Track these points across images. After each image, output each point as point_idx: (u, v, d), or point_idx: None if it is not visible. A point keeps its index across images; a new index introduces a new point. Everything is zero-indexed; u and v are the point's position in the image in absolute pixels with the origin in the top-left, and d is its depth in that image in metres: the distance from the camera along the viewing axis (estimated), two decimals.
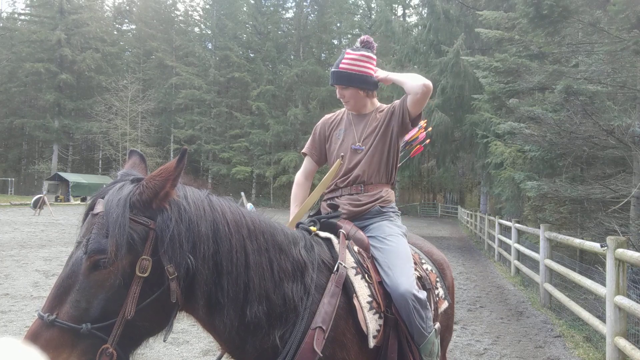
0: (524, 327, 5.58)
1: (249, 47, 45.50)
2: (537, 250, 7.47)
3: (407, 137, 2.85)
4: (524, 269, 8.47)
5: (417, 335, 1.87)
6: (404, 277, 1.90)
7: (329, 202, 2.27)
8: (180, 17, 52.21)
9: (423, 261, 2.34)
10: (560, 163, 8.78)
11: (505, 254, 10.87)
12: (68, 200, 34.98)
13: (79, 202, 35.08)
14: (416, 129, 2.85)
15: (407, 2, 40.63)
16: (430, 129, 3.28)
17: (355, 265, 1.88)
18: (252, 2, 45.84)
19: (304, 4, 45.97)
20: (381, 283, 1.92)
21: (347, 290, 1.77)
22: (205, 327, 1.57)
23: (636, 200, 6.98)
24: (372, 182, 2.25)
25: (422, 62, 19.65)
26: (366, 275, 1.88)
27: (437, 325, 2.07)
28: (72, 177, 36.85)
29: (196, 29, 50.79)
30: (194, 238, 1.41)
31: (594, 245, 4.73)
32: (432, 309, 2.14)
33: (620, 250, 4.02)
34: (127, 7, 54.78)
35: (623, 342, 3.86)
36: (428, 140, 3.44)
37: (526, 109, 8.65)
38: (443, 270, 2.48)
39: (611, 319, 4.06)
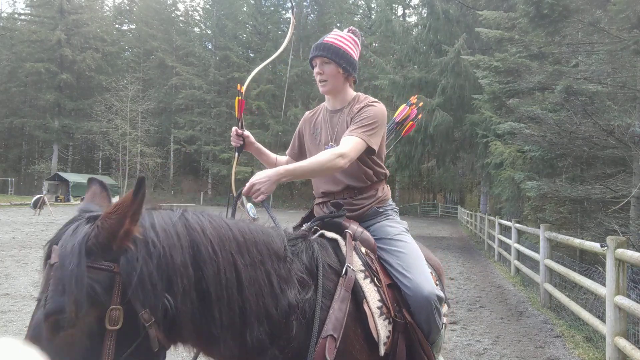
0: (524, 327, 5.58)
1: (249, 47, 45.52)
2: (537, 250, 7.46)
3: (397, 118, 2.77)
4: (524, 269, 8.47)
5: (434, 333, 1.84)
6: (424, 278, 1.84)
7: (331, 201, 2.13)
8: (180, 17, 52.25)
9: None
10: (560, 163, 8.78)
11: (505, 254, 10.87)
12: (68, 200, 35.00)
13: (79, 202, 35.07)
14: (406, 108, 2.78)
15: (407, 2, 40.66)
16: (421, 104, 3.12)
17: (363, 268, 1.78)
18: (252, 2, 45.86)
19: (304, 4, 45.99)
20: (390, 286, 1.84)
21: (357, 295, 1.68)
22: (205, 355, 1.43)
23: (636, 200, 6.98)
24: (362, 184, 2.11)
25: (422, 62, 19.66)
26: (375, 279, 1.79)
27: (445, 319, 2.06)
28: (72, 177, 36.86)
29: (196, 29, 50.82)
30: (168, 273, 1.23)
31: (594, 245, 4.73)
32: None
33: (620, 250, 4.02)
34: (127, 7, 54.80)
35: (623, 342, 3.86)
36: (420, 115, 3.32)
37: (526, 109, 8.65)
38: (440, 275, 2.40)
39: (611, 319, 4.06)
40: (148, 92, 43.23)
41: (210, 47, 47.26)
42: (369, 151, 2.02)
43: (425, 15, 20.75)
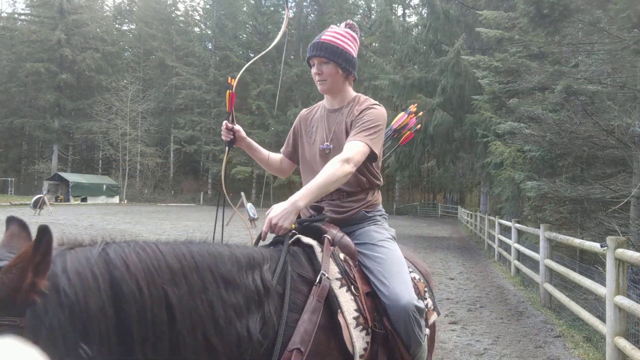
0: (524, 327, 5.58)
1: (249, 47, 45.53)
2: (537, 250, 7.46)
3: (395, 125, 2.70)
4: (524, 269, 8.47)
5: (415, 345, 1.75)
6: (404, 287, 1.77)
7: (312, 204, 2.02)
8: (180, 17, 52.28)
9: (410, 269, 2.17)
10: (560, 163, 8.78)
11: (505, 254, 10.87)
12: (68, 200, 34.99)
13: (79, 202, 35.10)
14: (405, 115, 2.70)
15: (407, 2, 40.69)
16: (421, 113, 3.02)
17: (340, 276, 1.70)
18: (252, 2, 45.88)
19: (304, 4, 46.01)
20: (369, 294, 1.76)
21: (331, 305, 1.59)
22: None
23: (636, 200, 6.98)
24: (354, 188, 2.02)
25: (422, 62, 19.67)
26: (352, 287, 1.70)
27: (427, 330, 1.98)
28: (72, 177, 36.87)
29: (196, 29, 50.85)
30: (83, 321, 1.10)
31: (594, 245, 4.73)
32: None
33: (620, 250, 4.02)
34: (127, 7, 54.82)
35: (623, 342, 3.86)
36: (419, 126, 3.23)
37: (526, 109, 8.65)
38: (430, 281, 2.31)
39: (611, 319, 4.06)
40: (148, 92, 43.26)
41: (210, 47, 47.29)
42: (371, 157, 1.95)
43: (425, 15, 20.77)
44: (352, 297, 1.67)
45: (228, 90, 2.21)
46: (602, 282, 4.56)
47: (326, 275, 1.63)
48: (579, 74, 7.59)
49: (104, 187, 38.09)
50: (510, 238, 9.86)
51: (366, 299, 1.73)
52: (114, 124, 39.59)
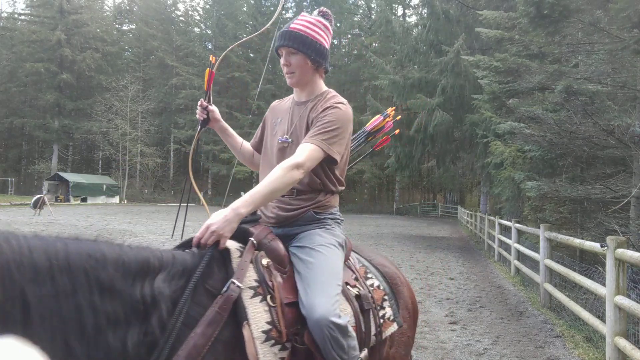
0: (524, 327, 5.58)
1: (249, 47, 45.55)
2: (537, 250, 7.46)
3: (368, 127, 2.56)
4: (524, 269, 8.47)
5: None
6: (323, 299, 1.58)
7: None
8: (180, 17, 52.28)
9: (369, 275, 2.02)
10: (560, 163, 8.77)
11: (505, 254, 10.87)
12: (68, 200, 34.99)
13: (79, 202, 35.10)
14: (381, 118, 2.56)
15: (407, 2, 40.69)
16: (399, 117, 2.81)
17: (256, 284, 1.55)
18: (252, 2, 45.88)
19: (304, 4, 46.00)
20: (292, 304, 1.60)
21: (239, 316, 1.46)
22: None
23: (636, 200, 6.98)
24: (304, 187, 1.87)
25: (422, 62, 19.68)
26: (269, 297, 1.55)
27: (364, 353, 1.77)
28: (72, 177, 36.89)
29: (196, 29, 50.87)
30: None
31: (594, 245, 4.73)
32: (373, 331, 1.85)
33: (620, 250, 4.02)
34: (127, 7, 54.82)
35: (623, 342, 3.86)
36: (397, 131, 3.07)
37: (526, 109, 8.65)
38: (396, 287, 2.10)
39: (611, 319, 4.06)
40: (148, 92, 43.26)
41: (210, 47, 47.29)
42: (329, 161, 1.82)
43: (425, 15, 20.78)
44: (267, 308, 1.53)
45: (208, 68, 2.13)
46: (602, 282, 4.56)
47: (237, 283, 1.49)
48: (579, 74, 7.58)
49: (104, 187, 38.09)
50: (510, 238, 9.86)
51: (289, 309, 1.58)
52: (114, 124, 39.59)
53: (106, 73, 44.21)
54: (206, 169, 45.13)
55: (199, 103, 2.11)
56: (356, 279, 1.93)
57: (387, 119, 2.56)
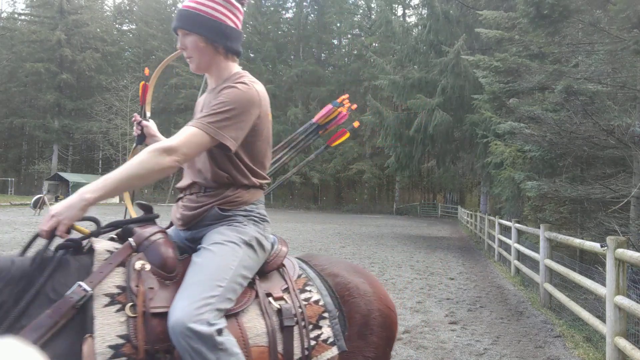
0: (524, 327, 5.58)
1: (249, 47, 45.53)
2: (537, 250, 7.46)
3: (316, 119, 2.34)
4: (524, 269, 8.47)
5: None
6: (184, 302, 1.36)
7: (137, 201, 1.78)
8: None
9: (309, 288, 1.72)
10: (560, 163, 8.78)
11: (505, 254, 10.87)
12: None
13: None
14: (330, 107, 2.31)
15: (407, 2, 40.68)
16: (354, 106, 2.50)
17: (118, 290, 1.37)
18: (252, 2, 45.84)
19: (304, 4, 46.00)
20: (158, 315, 1.38)
21: (85, 328, 1.28)
22: None
23: (636, 200, 6.98)
24: (211, 183, 1.66)
25: (422, 62, 19.70)
26: (128, 306, 1.35)
27: None
28: (72, 177, 36.87)
29: None
30: None
31: (594, 245, 4.73)
32: (297, 354, 1.56)
33: (620, 250, 4.02)
34: (127, 7, 54.82)
35: (623, 342, 3.86)
36: (356, 124, 2.75)
37: (526, 109, 8.65)
38: (349, 299, 1.74)
39: (611, 319, 4.06)
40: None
41: None
42: (223, 148, 1.57)
43: (425, 15, 20.79)
44: (123, 319, 1.33)
45: (142, 82, 1.98)
46: (602, 282, 4.56)
47: (84, 286, 1.32)
48: (579, 74, 7.59)
49: None
50: (510, 238, 9.86)
51: (158, 321, 1.36)
52: (114, 124, 39.58)
53: (106, 73, 44.21)
54: None
55: (133, 118, 1.96)
56: (286, 290, 1.67)
57: (341, 109, 2.31)
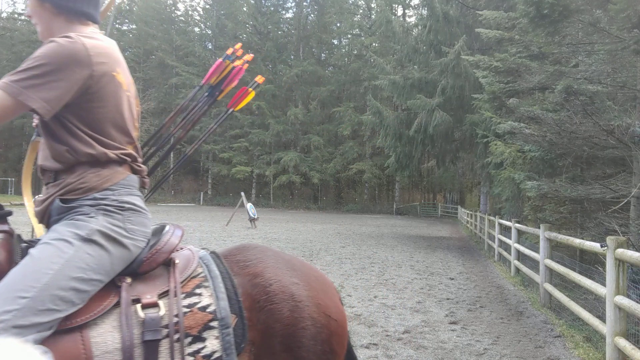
0: (524, 327, 5.58)
1: (249, 47, 45.51)
2: (537, 250, 7.46)
3: (204, 80, 2.05)
4: (524, 269, 8.47)
5: None
6: None
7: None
8: (180, 17, 52.31)
9: (199, 291, 1.41)
10: (560, 163, 8.78)
11: (505, 254, 10.87)
12: None
13: None
14: (220, 62, 1.98)
15: (407, 2, 40.69)
16: (251, 57, 2.20)
17: None
18: (252, 2, 45.88)
19: (304, 4, 46.02)
20: None
21: None
22: None
23: (636, 200, 6.98)
24: (55, 165, 1.39)
25: (423, 62, 19.71)
26: None
27: None
28: None
29: (196, 29, 50.91)
30: None
31: (594, 245, 4.73)
32: None
33: (620, 250, 4.02)
34: (127, 7, 54.81)
35: (623, 342, 3.86)
36: (261, 79, 2.32)
37: (526, 109, 8.65)
38: (264, 307, 1.42)
39: (611, 319, 4.06)
40: (148, 92, 43.28)
41: (210, 47, 47.32)
42: (35, 113, 1.30)
43: (425, 15, 20.81)
44: None
45: None
46: (602, 282, 4.56)
47: None
48: (579, 74, 7.59)
49: None
50: (510, 238, 9.87)
51: None
52: None
53: None
54: (206, 169, 45.14)
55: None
56: (165, 294, 1.37)
57: (236, 62, 1.94)
